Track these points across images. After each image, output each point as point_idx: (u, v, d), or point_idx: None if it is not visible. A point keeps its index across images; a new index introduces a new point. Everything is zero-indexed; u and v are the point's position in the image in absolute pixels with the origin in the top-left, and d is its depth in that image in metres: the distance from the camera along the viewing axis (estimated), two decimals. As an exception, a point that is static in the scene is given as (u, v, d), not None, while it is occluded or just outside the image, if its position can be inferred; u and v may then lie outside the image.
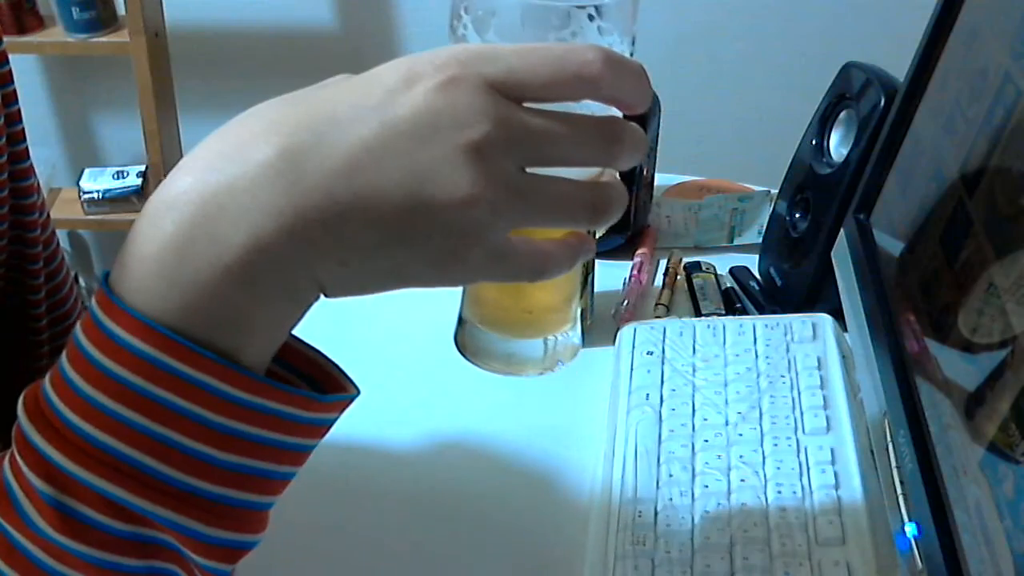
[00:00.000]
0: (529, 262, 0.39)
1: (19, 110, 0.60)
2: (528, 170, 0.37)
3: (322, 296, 0.37)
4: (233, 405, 0.35)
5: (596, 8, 0.42)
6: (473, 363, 0.51)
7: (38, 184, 0.66)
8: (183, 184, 0.35)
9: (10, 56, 0.63)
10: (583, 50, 0.36)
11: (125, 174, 1.72)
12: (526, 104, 0.36)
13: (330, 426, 0.39)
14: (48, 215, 0.67)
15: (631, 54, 0.42)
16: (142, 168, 1.72)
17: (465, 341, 0.52)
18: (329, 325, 0.52)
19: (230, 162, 0.34)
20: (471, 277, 0.38)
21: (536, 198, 0.37)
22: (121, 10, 1.58)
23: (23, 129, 0.62)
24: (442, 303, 0.68)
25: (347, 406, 0.39)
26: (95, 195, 1.71)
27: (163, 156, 1.63)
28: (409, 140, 0.34)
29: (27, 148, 0.60)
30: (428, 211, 0.34)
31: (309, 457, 0.39)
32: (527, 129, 0.35)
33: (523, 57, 0.36)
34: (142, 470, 0.34)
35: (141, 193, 1.70)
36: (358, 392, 0.39)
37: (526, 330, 0.51)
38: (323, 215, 0.34)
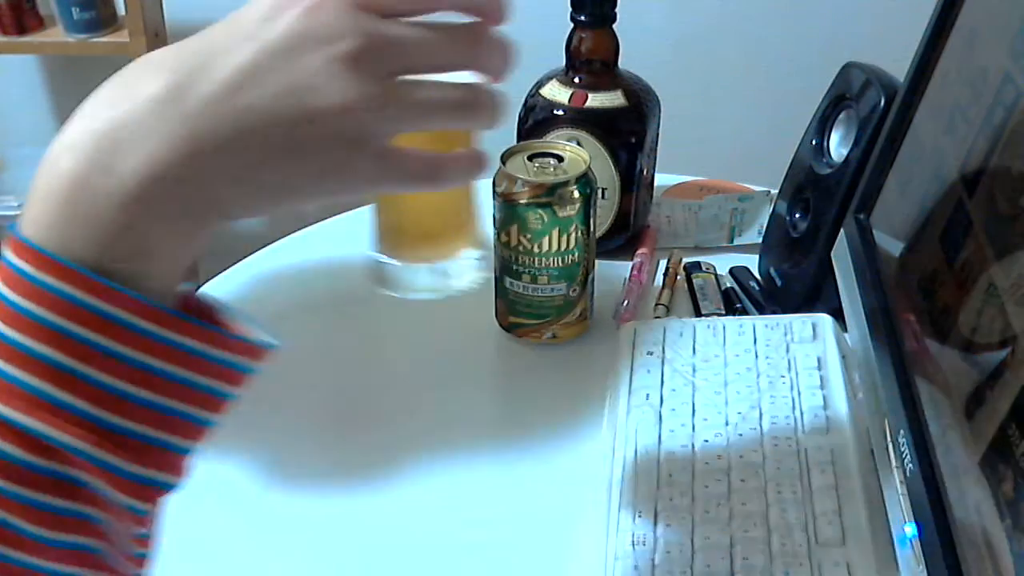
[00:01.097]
0: (419, 166, 0.41)
1: None
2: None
3: (225, 222, 0.39)
4: (142, 338, 0.36)
5: None
6: (383, 291, 0.55)
7: None
8: (79, 126, 0.36)
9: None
10: None
11: (125, 174, 1.73)
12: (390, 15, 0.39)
13: (245, 374, 0.40)
14: None
15: None
16: (142, 168, 1.73)
17: (375, 273, 0.55)
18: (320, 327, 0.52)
19: (121, 100, 0.36)
20: (362, 185, 0.40)
21: (410, 99, 0.39)
22: (121, 10, 1.58)
23: None
24: (439, 314, 0.69)
25: (262, 355, 0.40)
26: (95, 195, 1.71)
27: (163, 156, 1.63)
28: (283, 59, 0.37)
29: None
30: (309, 122, 0.37)
31: (227, 408, 0.40)
32: (392, 38, 0.38)
33: None
34: (58, 404, 0.35)
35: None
36: (272, 344, 0.40)
37: (418, 253, 0.54)
38: (212, 137, 0.36)
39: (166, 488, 0.39)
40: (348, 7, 0.38)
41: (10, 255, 0.36)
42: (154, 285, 0.37)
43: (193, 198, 0.37)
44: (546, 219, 0.67)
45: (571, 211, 0.67)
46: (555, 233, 0.67)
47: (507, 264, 0.69)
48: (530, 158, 0.69)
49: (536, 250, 0.68)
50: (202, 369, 0.38)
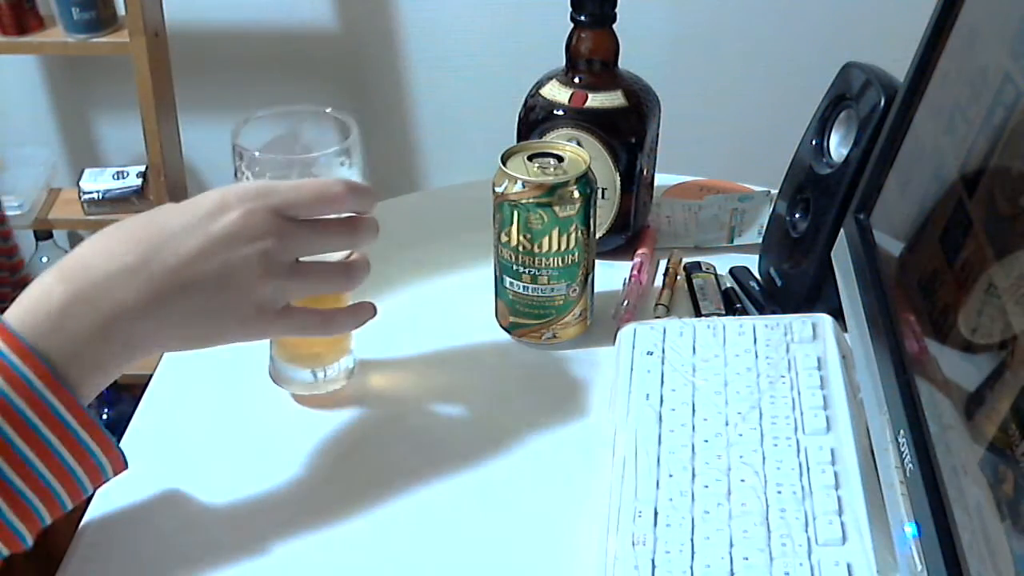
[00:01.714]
0: (314, 319, 0.59)
1: None
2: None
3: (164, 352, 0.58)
4: (51, 414, 0.49)
5: (346, 152, 0.61)
6: (277, 384, 0.68)
7: None
8: (76, 264, 0.52)
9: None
10: (332, 183, 0.56)
11: (125, 174, 1.72)
12: (301, 218, 0.55)
13: (84, 494, 0.52)
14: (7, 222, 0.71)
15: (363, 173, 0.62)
16: (142, 168, 1.72)
17: (270, 370, 0.68)
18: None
19: (105, 261, 0.52)
20: (273, 333, 0.61)
21: (307, 276, 0.57)
22: (121, 10, 1.58)
23: None
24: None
25: (118, 462, 0.53)
26: (95, 195, 1.70)
27: (163, 156, 1.62)
28: (224, 247, 0.53)
29: None
30: (236, 290, 0.53)
31: (77, 500, 0.52)
32: (297, 236, 0.55)
33: (295, 190, 0.55)
34: None
35: (141, 193, 1.70)
36: (124, 461, 0.53)
37: (305, 362, 0.67)
38: (167, 295, 0.52)
39: (14, 545, 0.50)
40: (271, 213, 0.54)
41: None
42: (83, 391, 0.51)
43: (143, 336, 0.53)
44: (546, 219, 0.67)
45: (571, 211, 0.67)
46: (555, 233, 0.67)
47: (507, 264, 0.69)
48: (530, 158, 0.69)
49: (536, 250, 0.68)
50: (76, 453, 0.50)
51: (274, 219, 0.54)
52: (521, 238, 0.68)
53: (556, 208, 0.66)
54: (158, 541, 0.58)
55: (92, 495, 0.55)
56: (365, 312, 0.62)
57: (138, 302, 0.51)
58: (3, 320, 0.50)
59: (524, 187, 0.66)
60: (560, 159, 0.69)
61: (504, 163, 0.68)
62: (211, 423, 0.67)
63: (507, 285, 0.71)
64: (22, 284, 0.73)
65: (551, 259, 0.68)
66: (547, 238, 0.67)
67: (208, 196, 0.54)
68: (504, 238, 0.69)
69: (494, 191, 0.68)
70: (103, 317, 0.51)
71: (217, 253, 0.52)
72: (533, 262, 0.68)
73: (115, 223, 0.54)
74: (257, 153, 0.59)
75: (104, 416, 1.62)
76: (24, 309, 0.50)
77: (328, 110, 0.63)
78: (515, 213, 0.67)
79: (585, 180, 0.67)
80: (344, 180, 0.57)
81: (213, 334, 0.55)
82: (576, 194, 0.67)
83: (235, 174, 0.61)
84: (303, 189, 0.56)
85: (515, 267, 0.69)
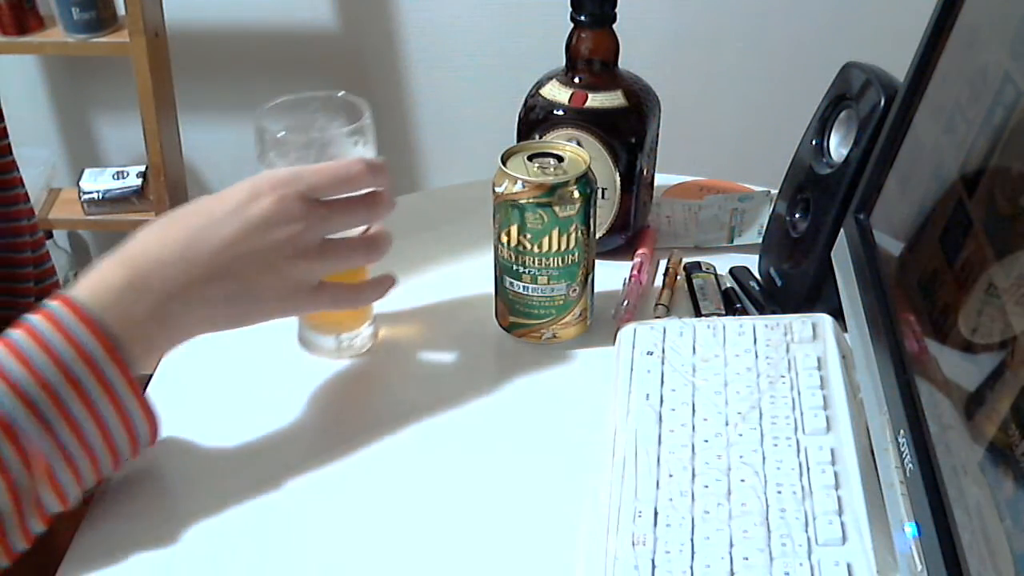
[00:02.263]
0: (344, 293, 0.66)
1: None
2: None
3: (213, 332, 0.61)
4: (113, 391, 0.54)
5: (359, 132, 0.66)
6: (304, 349, 0.73)
7: (21, 179, 0.70)
8: (135, 250, 0.58)
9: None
10: (351, 164, 0.61)
11: (125, 174, 1.72)
12: (326, 199, 0.61)
13: (122, 461, 0.57)
14: (34, 218, 0.72)
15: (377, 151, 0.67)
16: (142, 168, 1.72)
17: (299, 336, 0.73)
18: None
19: (157, 248, 0.58)
20: (309, 308, 0.66)
21: (337, 253, 0.63)
22: (121, 10, 1.58)
23: (4, 127, 0.72)
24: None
25: (156, 431, 0.58)
26: (95, 195, 1.70)
27: (163, 156, 1.63)
28: (259, 232, 0.58)
29: (8, 144, 0.73)
30: (273, 271, 0.59)
31: (117, 465, 0.57)
32: (324, 216, 0.61)
33: (318, 174, 0.60)
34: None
35: (141, 193, 1.70)
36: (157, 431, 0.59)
37: (326, 326, 0.72)
38: (209, 279, 0.58)
39: (64, 502, 0.55)
40: (299, 198, 0.59)
41: (59, 304, 0.54)
42: (135, 369, 0.56)
43: (192, 316, 0.58)
44: (546, 219, 0.67)
45: (571, 211, 0.67)
46: (555, 233, 0.67)
47: (507, 264, 0.69)
48: (530, 158, 0.69)
49: (536, 250, 0.68)
50: (124, 421, 0.55)
51: (302, 203, 0.59)
52: (521, 238, 0.68)
53: (556, 208, 0.66)
54: (157, 540, 0.58)
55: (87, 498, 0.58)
56: (387, 282, 0.68)
57: (185, 285, 0.57)
58: (72, 294, 0.55)
59: (524, 187, 0.66)
60: (560, 159, 0.69)
61: (504, 163, 0.68)
62: (211, 423, 0.67)
63: (507, 285, 0.71)
64: (47, 292, 0.74)
65: (551, 259, 0.68)
66: (547, 238, 0.67)
67: (242, 185, 0.59)
68: (504, 238, 0.69)
69: (494, 191, 0.68)
70: (156, 299, 0.56)
71: (253, 237, 0.58)
72: (533, 262, 0.68)
73: (168, 214, 0.59)
74: (280, 135, 0.65)
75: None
76: (88, 288, 0.56)
77: (341, 94, 0.68)
78: (515, 213, 0.67)
79: (585, 180, 0.67)
80: (360, 159, 0.62)
81: (254, 312, 0.61)
82: (576, 194, 0.67)
83: (258, 157, 0.66)
84: (326, 172, 0.61)
85: (515, 267, 0.69)
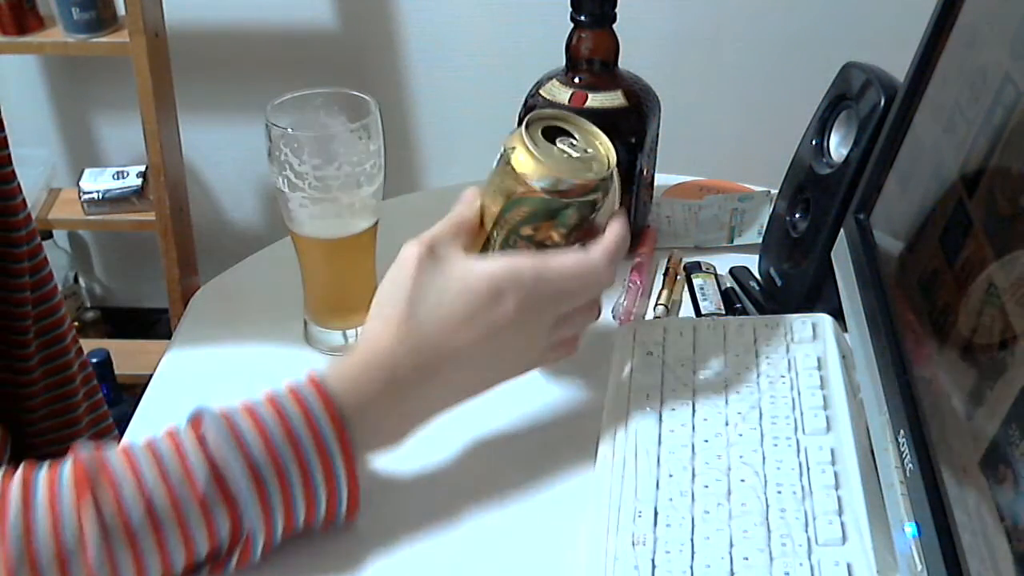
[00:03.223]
0: (583, 321, 0.63)
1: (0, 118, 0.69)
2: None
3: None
4: (332, 469, 0.55)
5: (366, 128, 0.67)
6: (310, 345, 0.75)
7: (20, 187, 0.69)
8: (370, 335, 0.59)
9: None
10: (596, 263, 0.59)
11: (125, 174, 1.72)
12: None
13: (336, 519, 0.57)
14: (31, 218, 0.71)
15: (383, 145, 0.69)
16: (142, 168, 1.72)
17: (306, 332, 0.75)
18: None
19: (396, 342, 0.57)
20: (551, 361, 0.64)
21: (571, 325, 0.62)
22: (121, 10, 1.58)
23: (5, 137, 0.69)
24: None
25: (355, 512, 0.58)
26: (95, 195, 1.70)
27: (163, 156, 1.62)
28: (502, 334, 0.58)
29: (9, 154, 0.70)
30: (511, 363, 0.61)
31: (309, 529, 0.57)
32: (564, 317, 0.60)
33: (565, 280, 0.59)
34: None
35: (141, 193, 1.70)
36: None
37: (332, 322, 0.74)
38: (448, 373, 0.58)
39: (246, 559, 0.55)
40: (543, 304, 0.58)
41: (310, 387, 0.55)
42: (368, 447, 0.58)
43: (424, 408, 0.59)
44: (584, 213, 0.61)
45: (580, 214, 0.62)
46: (585, 226, 0.62)
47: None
48: (548, 139, 0.62)
49: (563, 243, 0.62)
50: (330, 494, 0.55)
51: (545, 307, 0.59)
52: (552, 233, 0.61)
53: (597, 202, 0.62)
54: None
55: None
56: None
57: (422, 380, 0.57)
58: (314, 370, 0.57)
59: (571, 185, 0.60)
60: (572, 136, 0.63)
61: (535, 154, 0.60)
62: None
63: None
64: (45, 300, 0.73)
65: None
66: (577, 232, 0.62)
67: (481, 281, 0.57)
68: (528, 231, 0.63)
69: (528, 184, 0.60)
70: (390, 385, 0.57)
71: (496, 339, 0.58)
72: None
73: (396, 296, 0.58)
74: (289, 130, 0.66)
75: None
76: (329, 365, 0.57)
77: (348, 91, 0.70)
78: (553, 209, 0.60)
79: (609, 180, 0.62)
80: (603, 253, 0.59)
81: (486, 390, 0.61)
82: (614, 183, 0.63)
83: (268, 153, 0.67)
84: (573, 280, 0.59)
85: None
